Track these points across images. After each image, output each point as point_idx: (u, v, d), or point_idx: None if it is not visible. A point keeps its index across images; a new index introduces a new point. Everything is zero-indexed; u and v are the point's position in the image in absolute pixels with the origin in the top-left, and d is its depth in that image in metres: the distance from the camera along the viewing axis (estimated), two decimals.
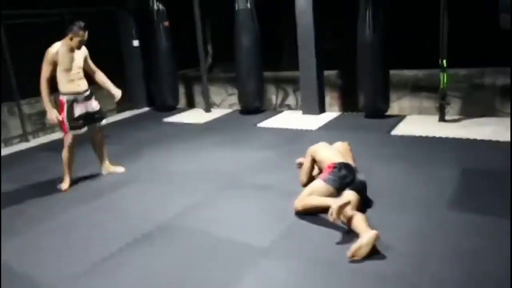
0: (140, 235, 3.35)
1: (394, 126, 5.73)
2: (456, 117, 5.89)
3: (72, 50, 4.21)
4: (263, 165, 4.74)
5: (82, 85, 4.36)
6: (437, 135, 5.19)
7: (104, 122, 4.64)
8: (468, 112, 5.92)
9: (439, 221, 3.17)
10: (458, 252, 2.75)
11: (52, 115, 4.25)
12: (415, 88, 6.36)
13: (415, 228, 3.10)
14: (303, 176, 3.92)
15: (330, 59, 6.90)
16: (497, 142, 4.76)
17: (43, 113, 7.03)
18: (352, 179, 3.44)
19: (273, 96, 7.74)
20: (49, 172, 5.04)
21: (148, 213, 3.77)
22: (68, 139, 4.37)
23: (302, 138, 5.57)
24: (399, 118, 6.12)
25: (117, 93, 4.48)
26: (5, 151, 6.41)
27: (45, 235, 3.56)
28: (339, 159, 3.64)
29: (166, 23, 7.71)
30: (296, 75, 7.33)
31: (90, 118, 4.46)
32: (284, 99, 7.70)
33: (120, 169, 4.83)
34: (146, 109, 8.67)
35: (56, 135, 6.99)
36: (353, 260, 2.71)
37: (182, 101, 8.68)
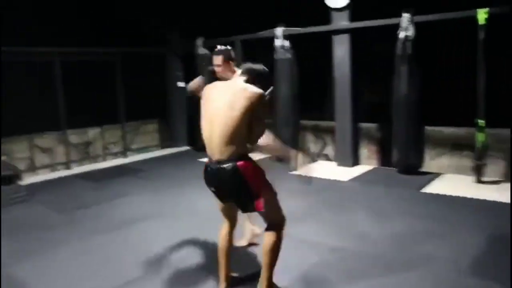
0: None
1: (426, 184, 5.58)
2: (495, 179, 5.64)
3: None
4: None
5: None
6: (469, 196, 5.01)
7: None
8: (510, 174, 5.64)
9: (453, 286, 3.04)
10: None
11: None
12: (455, 146, 6.16)
13: None
14: None
15: (372, 112, 6.88)
16: None
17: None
18: None
19: (312, 144, 7.75)
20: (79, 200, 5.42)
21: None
22: None
23: (332, 188, 5.57)
24: (433, 176, 5.94)
25: None
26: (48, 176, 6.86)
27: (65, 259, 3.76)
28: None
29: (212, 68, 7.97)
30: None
31: None
32: (322, 148, 7.68)
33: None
34: (187, 148, 8.85)
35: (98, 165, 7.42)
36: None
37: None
